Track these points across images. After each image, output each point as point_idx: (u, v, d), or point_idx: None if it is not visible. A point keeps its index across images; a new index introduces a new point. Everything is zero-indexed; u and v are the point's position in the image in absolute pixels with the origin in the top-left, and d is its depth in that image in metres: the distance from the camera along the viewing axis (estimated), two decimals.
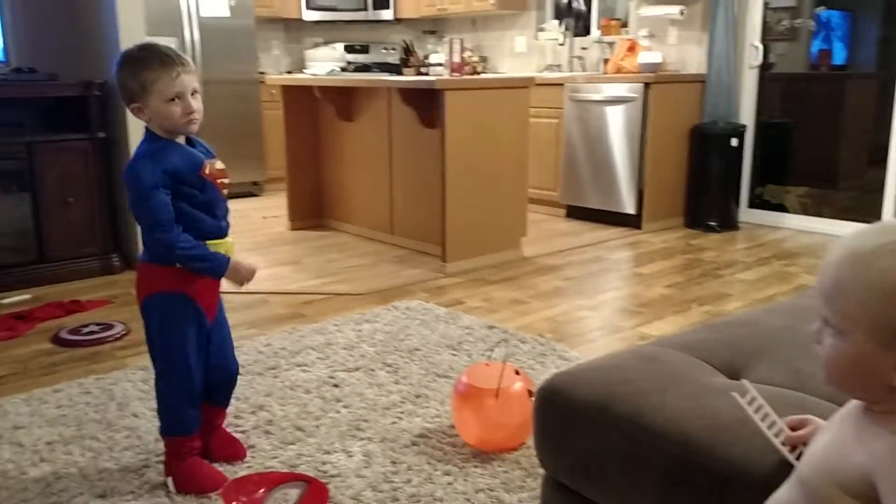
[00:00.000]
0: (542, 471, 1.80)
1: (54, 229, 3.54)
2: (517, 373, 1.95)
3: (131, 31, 3.56)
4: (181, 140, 1.68)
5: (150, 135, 1.66)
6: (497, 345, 2.57)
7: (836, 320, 0.76)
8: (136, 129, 3.60)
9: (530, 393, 1.92)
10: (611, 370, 1.20)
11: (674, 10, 4.95)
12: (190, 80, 1.62)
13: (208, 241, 1.67)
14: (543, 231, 4.60)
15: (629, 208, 4.69)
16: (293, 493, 1.71)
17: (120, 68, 1.62)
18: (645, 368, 1.19)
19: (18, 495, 1.75)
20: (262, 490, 1.69)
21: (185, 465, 1.76)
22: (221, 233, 1.71)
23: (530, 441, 1.94)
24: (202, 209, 1.66)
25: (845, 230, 3.94)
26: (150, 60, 1.59)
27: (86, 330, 2.83)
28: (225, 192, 1.72)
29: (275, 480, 1.73)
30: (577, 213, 5.01)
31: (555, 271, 3.74)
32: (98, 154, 3.61)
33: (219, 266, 1.68)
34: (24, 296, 3.31)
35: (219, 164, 1.70)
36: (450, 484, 1.78)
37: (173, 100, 1.59)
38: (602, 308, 3.18)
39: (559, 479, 1.21)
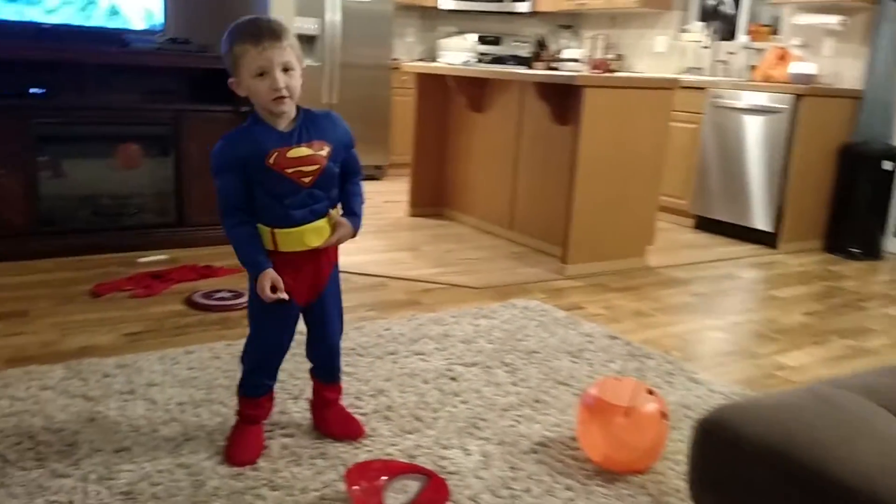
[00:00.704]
0: (671, 500, 1.72)
1: (193, 195, 3.69)
2: (650, 392, 1.85)
3: (281, 8, 3.65)
4: (283, 119, 1.62)
5: (252, 114, 1.65)
6: (619, 350, 2.47)
7: None
8: None
9: (664, 415, 1.82)
10: (786, 410, 1.10)
11: (832, 20, 4.63)
12: (279, 55, 1.54)
13: (277, 229, 1.64)
14: (670, 241, 4.42)
15: (764, 225, 4.44)
16: (413, 485, 1.69)
17: (223, 41, 1.60)
18: (826, 414, 1.08)
19: (151, 452, 1.81)
20: (384, 478, 1.68)
21: (235, 428, 1.84)
22: (291, 221, 1.64)
23: (659, 466, 1.85)
24: (271, 196, 1.61)
25: None
26: (241, 34, 1.56)
27: (217, 295, 2.93)
28: (305, 180, 1.62)
29: (396, 470, 1.72)
30: (707, 224, 4.79)
31: (682, 285, 3.58)
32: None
33: (251, 271, 1.65)
34: (161, 256, 3.46)
35: (298, 151, 1.61)
36: (571, 500, 1.71)
37: (261, 75, 1.54)
38: (734, 330, 3.01)
39: None
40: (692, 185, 4.84)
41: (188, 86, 3.82)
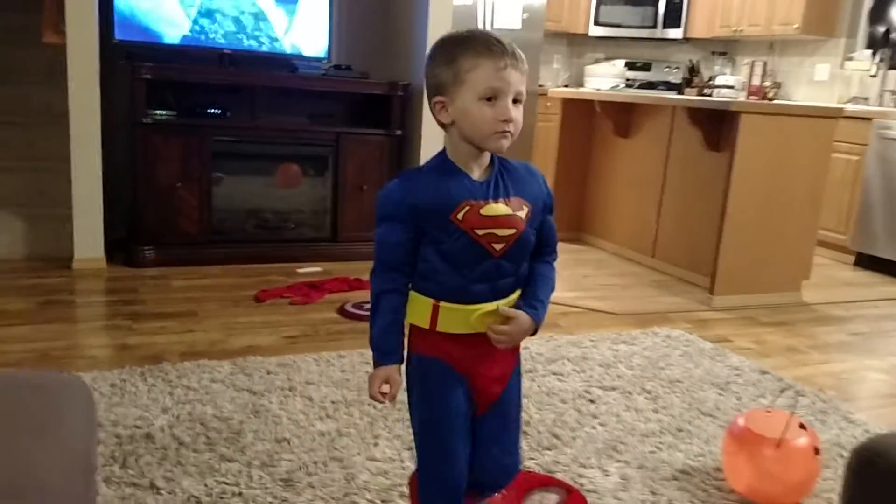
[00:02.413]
0: None
1: (348, 212, 3.91)
2: (802, 426, 1.79)
3: (436, 37, 3.82)
4: (481, 163, 1.28)
5: (439, 154, 1.31)
6: (781, 393, 2.38)
7: None
8: (429, 130, 3.88)
9: (816, 451, 1.75)
10: None
11: None
12: (517, 81, 1.22)
13: (444, 302, 1.27)
14: (827, 277, 4.19)
15: None
16: (552, 497, 1.72)
17: (433, 54, 1.27)
18: None
19: (307, 443, 1.94)
20: (520, 492, 1.71)
21: None
22: (466, 297, 1.26)
23: (807, 502, 1.78)
24: (447, 261, 1.25)
25: None
26: (474, 44, 1.21)
27: (367, 306, 3.07)
28: (496, 246, 1.25)
29: (536, 482, 1.75)
30: (868, 262, 4.50)
31: (839, 323, 3.38)
32: (393, 149, 3.92)
33: (378, 357, 1.30)
34: (317, 268, 3.69)
35: (494, 209, 1.25)
36: None
37: (489, 99, 1.21)
38: (895, 372, 2.82)
39: None
40: (853, 220, 4.57)
41: (347, 110, 4.07)
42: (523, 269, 1.32)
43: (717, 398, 2.39)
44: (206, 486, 1.72)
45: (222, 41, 3.79)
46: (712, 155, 3.70)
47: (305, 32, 3.92)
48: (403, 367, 1.31)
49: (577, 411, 2.25)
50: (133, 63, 3.45)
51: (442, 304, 1.27)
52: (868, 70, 5.19)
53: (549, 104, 5.79)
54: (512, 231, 1.26)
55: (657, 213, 4.15)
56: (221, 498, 1.68)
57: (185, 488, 1.70)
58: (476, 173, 1.28)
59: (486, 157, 1.29)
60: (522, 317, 1.27)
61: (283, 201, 3.92)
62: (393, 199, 1.26)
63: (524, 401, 2.28)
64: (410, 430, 2.04)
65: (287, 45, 3.90)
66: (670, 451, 2.03)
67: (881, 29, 5.28)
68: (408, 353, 1.32)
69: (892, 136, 4.37)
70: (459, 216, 1.23)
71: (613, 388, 2.43)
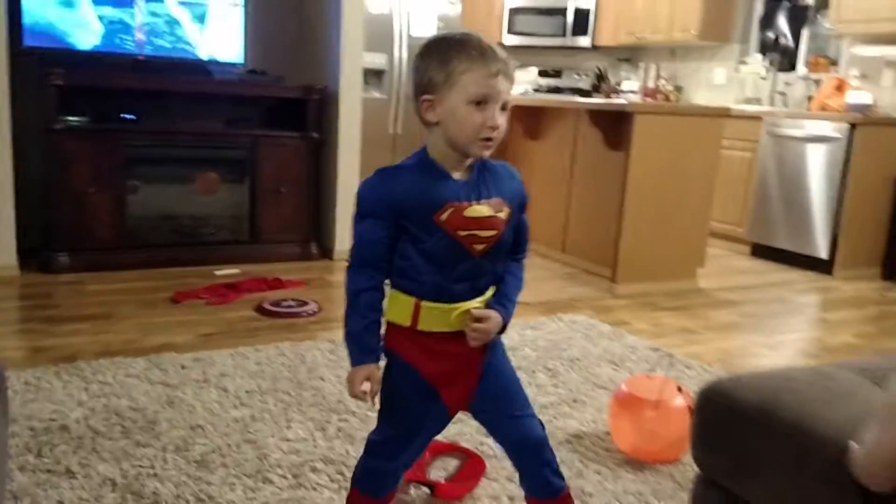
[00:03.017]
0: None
1: (266, 214, 3.97)
2: (679, 389, 1.97)
3: (351, 44, 3.95)
4: (462, 165, 1.29)
5: (418, 152, 1.32)
6: (671, 367, 2.58)
7: None
8: (346, 132, 3.99)
9: (691, 410, 1.93)
10: (778, 379, 1.23)
11: (892, 52, 4.66)
12: (506, 89, 1.24)
13: (425, 301, 1.28)
14: (724, 266, 4.48)
15: (821, 252, 4.45)
16: (454, 462, 1.85)
17: (427, 52, 1.27)
18: (814, 383, 1.21)
19: (221, 428, 2.02)
20: (427, 455, 1.84)
21: None
22: (446, 296, 1.28)
23: (686, 458, 1.96)
24: (427, 259, 1.27)
25: None
26: (468, 47, 1.23)
27: (285, 304, 3.16)
28: (478, 247, 1.27)
29: (438, 448, 1.88)
30: (763, 251, 4.82)
31: (732, 306, 3.64)
32: (310, 152, 4.01)
33: (355, 356, 1.30)
34: (235, 270, 3.74)
35: (477, 210, 1.26)
36: (600, 482, 1.84)
37: (478, 103, 1.22)
38: (780, 348, 3.07)
39: (713, 477, 1.25)
40: (749, 213, 4.89)
41: (263, 114, 4.14)
42: (500, 269, 1.34)
43: (612, 373, 2.57)
44: (121, 469, 1.78)
45: (136, 47, 3.81)
46: (613, 154, 3.92)
47: (220, 38, 3.97)
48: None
49: None
50: (44, 69, 3.44)
51: (423, 303, 1.28)
52: (759, 73, 5.56)
53: None
54: (493, 232, 1.28)
55: (566, 210, 4.36)
56: (137, 479, 1.75)
57: (100, 472, 1.76)
58: (458, 173, 1.29)
59: (467, 158, 1.29)
60: (494, 316, 1.30)
61: (200, 205, 3.95)
62: (372, 196, 1.27)
63: None
64: (322, 413, 2.16)
65: (202, 50, 3.95)
66: (565, 419, 2.19)
67: (771, 35, 5.67)
68: (385, 349, 1.34)
69: (781, 133, 4.71)
70: (443, 217, 1.25)
71: (518, 368, 2.52)
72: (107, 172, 3.61)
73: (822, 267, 4.46)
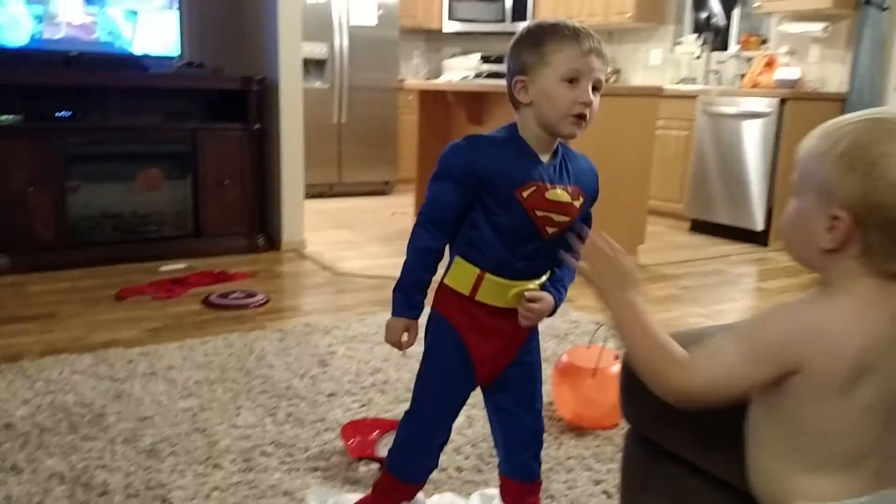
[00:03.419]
0: None
1: (210, 208, 3.95)
2: (616, 357, 2.05)
3: (289, 34, 3.93)
4: (551, 146, 1.32)
5: (507, 127, 1.35)
6: (597, 329, 2.65)
7: (797, 183, 0.87)
8: (288, 122, 3.99)
9: None
10: (694, 335, 1.30)
11: (817, 28, 4.83)
12: (598, 67, 1.26)
13: (489, 274, 1.30)
14: (664, 242, 4.61)
15: (757, 225, 4.62)
16: None
17: (521, 36, 1.31)
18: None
19: (170, 419, 2.03)
20: (377, 433, 1.88)
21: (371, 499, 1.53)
22: (510, 272, 1.31)
23: (625, 423, 2.04)
24: (498, 233, 1.29)
25: None
26: (561, 29, 1.26)
27: (232, 296, 3.16)
28: (549, 230, 1.29)
29: (387, 426, 1.92)
30: (702, 227, 4.97)
31: (671, 280, 3.76)
32: (253, 143, 4.00)
33: (397, 306, 1.35)
34: (180, 265, 3.71)
35: (557, 195, 1.29)
36: (544, 450, 1.90)
37: (571, 81, 1.24)
38: (716, 317, 3.19)
39: (640, 431, 1.32)
40: (687, 189, 5.03)
41: (203, 106, 4.10)
42: (560, 255, 1.33)
43: (556, 347, 2.65)
44: (69, 463, 1.79)
45: (68, 44, 3.74)
46: None
47: (156, 32, 3.92)
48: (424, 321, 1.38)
49: None
50: None
51: (487, 275, 1.30)
52: (693, 53, 5.71)
53: (410, 97, 6.00)
54: (566, 219, 1.30)
55: None
56: (86, 472, 1.75)
57: (48, 467, 1.76)
58: (545, 156, 1.31)
59: (555, 141, 1.32)
60: (548, 298, 1.32)
61: (143, 201, 3.91)
62: (456, 161, 1.29)
63: (385, 364, 2.46)
64: (271, 400, 2.18)
65: (137, 45, 3.89)
66: None
67: (703, 15, 5.82)
68: (435, 313, 1.38)
69: (715, 111, 4.85)
70: (525, 194, 1.27)
71: None
72: (45, 171, 3.55)
73: (759, 239, 4.62)
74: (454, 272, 1.34)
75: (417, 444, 1.45)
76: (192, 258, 3.82)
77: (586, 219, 1.39)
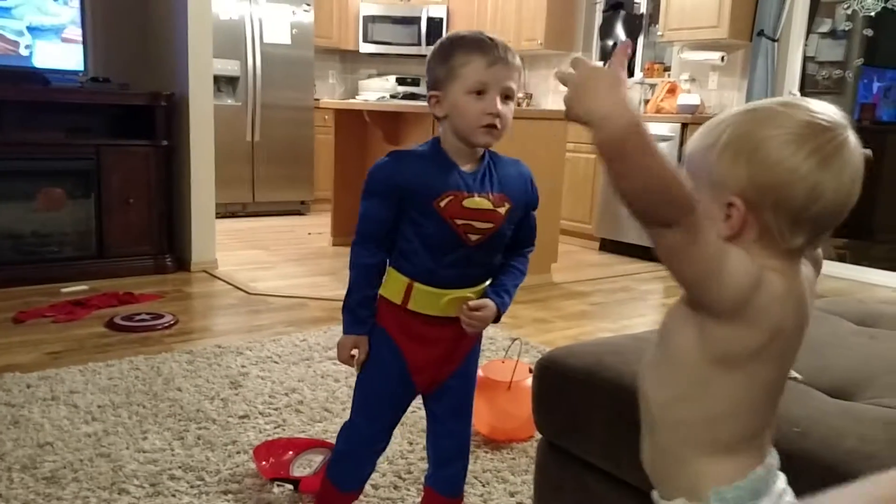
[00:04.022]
0: None
1: (114, 227, 3.80)
2: (530, 371, 2.09)
3: (199, 50, 3.86)
4: (471, 156, 1.33)
5: (433, 140, 1.36)
6: (511, 344, 2.70)
7: (690, 180, 0.85)
8: (197, 139, 3.90)
9: None
10: (603, 346, 1.35)
11: (715, 56, 5.11)
12: (505, 76, 1.27)
13: (417, 283, 1.33)
14: (575, 261, 4.73)
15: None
16: (317, 458, 1.87)
17: (434, 53, 1.33)
18: (632, 346, 1.34)
19: (72, 444, 1.94)
20: (290, 453, 1.85)
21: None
22: (437, 280, 1.32)
23: (539, 434, 2.08)
24: (423, 243, 1.32)
25: (882, 279, 3.96)
26: (468, 41, 1.29)
27: (138, 318, 3.06)
28: (472, 237, 1.30)
29: (302, 445, 1.90)
30: (611, 246, 5.14)
31: (582, 297, 3.87)
32: (160, 160, 3.88)
33: (347, 326, 1.38)
34: (83, 286, 3.56)
35: (476, 202, 1.30)
36: None
37: (478, 93, 1.26)
38: (624, 331, 3.29)
39: (552, 440, 1.36)
40: (595, 211, 5.20)
41: (108, 122, 3.97)
42: (496, 261, 1.37)
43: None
44: None
45: None
46: None
47: (59, 46, 3.77)
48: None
49: (349, 387, 2.41)
50: None
51: (416, 284, 1.32)
52: None
53: (326, 117, 5.97)
54: (490, 225, 1.31)
55: None
56: None
57: None
58: (466, 165, 1.32)
59: (478, 150, 1.33)
60: (490, 305, 1.34)
61: (43, 221, 3.73)
62: (380, 176, 1.31)
63: (300, 384, 2.43)
64: (180, 423, 2.12)
65: (39, 58, 3.73)
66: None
67: (610, 43, 6.05)
68: (375, 321, 1.39)
69: None
70: (442, 204, 1.28)
71: None
72: None
73: None
74: (387, 283, 1.37)
75: (357, 452, 1.47)
76: (96, 279, 3.67)
77: (525, 223, 1.40)
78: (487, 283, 1.37)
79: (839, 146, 0.81)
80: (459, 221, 1.29)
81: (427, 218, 1.30)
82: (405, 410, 1.47)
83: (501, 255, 1.38)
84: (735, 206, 0.83)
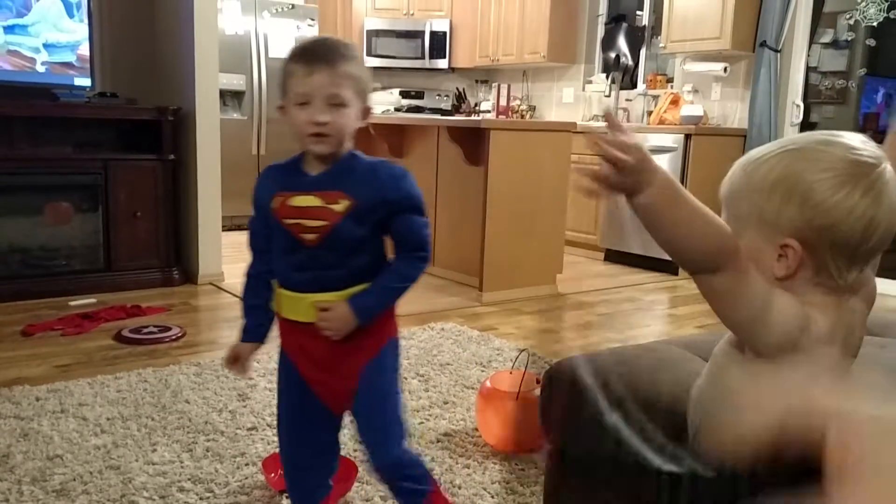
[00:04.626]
0: None
1: (121, 241, 3.82)
2: (538, 381, 2.09)
3: (205, 65, 3.89)
4: (318, 161, 1.33)
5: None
6: (519, 355, 2.70)
7: (733, 223, 0.89)
8: (204, 153, 3.92)
9: None
10: (612, 357, 1.35)
11: (718, 67, 5.12)
12: (327, 85, 1.25)
13: (280, 288, 1.36)
14: (580, 272, 4.74)
15: (667, 254, 4.80)
16: None
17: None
18: (643, 357, 1.34)
19: (82, 457, 1.95)
20: None
21: None
22: (290, 284, 1.34)
23: (547, 443, 2.08)
24: (276, 248, 1.36)
25: (891, 288, 3.93)
26: (294, 52, 1.29)
27: (145, 330, 3.07)
28: (307, 236, 1.30)
29: None
30: (616, 256, 5.14)
31: (588, 307, 3.87)
32: (167, 174, 3.91)
33: (241, 331, 1.43)
34: (91, 299, 3.57)
35: (303, 200, 1.30)
36: (469, 475, 1.92)
37: (302, 104, 1.27)
38: (630, 341, 3.29)
39: (561, 449, 1.35)
40: (600, 221, 5.20)
41: (116, 137, 3.99)
42: (359, 263, 1.32)
43: (480, 374, 2.68)
44: None
45: None
46: (472, 169, 4.08)
47: (68, 61, 3.81)
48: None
49: None
50: None
51: (280, 289, 1.35)
52: (603, 91, 5.94)
53: None
54: (322, 223, 1.28)
55: (433, 224, 4.46)
56: None
57: None
58: (315, 169, 1.32)
59: (328, 157, 1.32)
60: (338, 307, 1.29)
61: (51, 235, 3.75)
62: (254, 190, 1.38)
63: None
64: (188, 435, 2.12)
65: (47, 74, 3.77)
66: (436, 420, 2.26)
67: (612, 55, 6.08)
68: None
69: None
70: (274, 206, 1.31)
71: None
72: None
73: (669, 268, 4.81)
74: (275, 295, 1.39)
75: (287, 470, 1.48)
76: (104, 293, 3.68)
77: (397, 225, 1.35)
78: (361, 287, 1.32)
79: (885, 180, 0.84)
80: (289, 221, 1.30)
81: (273, 223, 1.33)
82: (326, 428, 1.44)
83: (368, 256, 1.33)
84: (791, 248, 0.84)
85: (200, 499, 1.77)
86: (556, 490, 1.38)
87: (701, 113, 5.06)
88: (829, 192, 0.83)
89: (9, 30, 3.62)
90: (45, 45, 3.72)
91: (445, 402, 2.41)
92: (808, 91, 5.01)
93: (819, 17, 4.95)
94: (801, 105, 4.94)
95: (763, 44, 4.83)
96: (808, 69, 4.99)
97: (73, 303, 3.51)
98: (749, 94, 4.99)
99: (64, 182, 3.75)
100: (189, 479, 1.86)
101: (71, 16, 3.77)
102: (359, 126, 1.33)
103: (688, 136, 4.71)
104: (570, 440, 1.32)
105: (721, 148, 4.86)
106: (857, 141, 0.86)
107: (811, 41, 4.96)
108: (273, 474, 1.83)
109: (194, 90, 3.87)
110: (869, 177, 0.83)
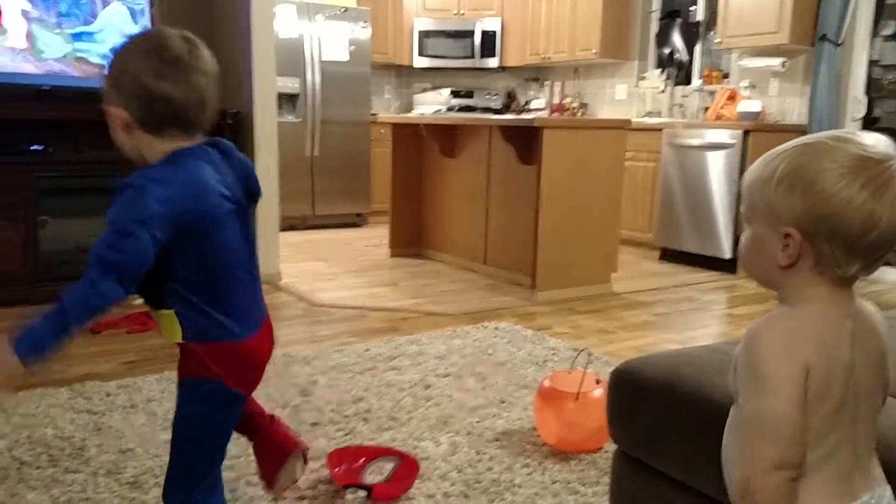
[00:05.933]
0: None
1: None
2: (598, 381, 2.09)
3: (263, 69, 3.97)
4: None
5: None
6: (578, 354, 2.69)
7: (747, 212, 0.93)
8: (262, 155, 4.01)
9: None
10: (678, 357, 1.35)
11: (776, 63, 5.01)
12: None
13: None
14: (635, 270, 4.69)
15: (725, 253, 4.72)
16: (388, 465, 1.91)
17: None
18: (710, 358, 1.33)
19: (152, 451, 2.01)
20: (363, 460, 1.89)
21: None
22: None
23: (609, 446, 2.07)
24: None
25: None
26: None
27: None
28: None
29: (373, 453, 1.93)
30: (672, 255, 5.07)
31: (644, 307, 3.83)
32: None
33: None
34: None
35: None
36: (528, 475, 1.93)
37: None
38: (689, 342, 3.25)
39: (628, 451, 1.35)
40: (655, 219, 5.14)
41: None
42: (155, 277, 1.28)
43: (536, 373, 2.68)
44: (51, 496, 1.76)
45: (39, 77, 3.73)
46: (525, 168, 4.07)
47: None
48: None
49: (413, 397, 2.45)
50: None
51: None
52: (658, 87, 5.87)
53: (382, 131, 6.07)
54: None
55: (485, 223, 4.48)
56: None
57: (29, 501, 1.74)
58: None
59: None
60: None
61: None
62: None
63: (365, 393, 2.47)
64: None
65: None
66: (494, 419, 2.28)
67: (666, 51, 6.00)
68: None
69: (680, 143, 4.98)
70: None
71: (447, 375, 2.67)
72: (15, 204, 3.51)
73: (727, 267, 4.73)
74: None
75: None
76: None
77: None
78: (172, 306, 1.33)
79: (891, 176, 0.86)
80: None
81: None
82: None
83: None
84: (791, 237, 0.87)
85: (267, 492, 1.82)
86: (624, 492, 1.38)
87: (759, 109, 4.96)
88: (831, 182, 0.85)
89: (76, 37, 3.75)
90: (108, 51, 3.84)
91: (502, 402, 2.42)
92: (871, 85, 4.86)
93: (882, 9, 4.80)
94: (864, 99, 4.80)
95: (823, 37, 4.71)
96: (870, 63, 4.84)
97: (136, 301, 3.61)
98: (808, 89, 4.87)
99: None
100: (256, 473, 1.90)
101: (136, 22, 3.89)
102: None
103: (746, 133, 4.62)
104: (639, 442, 1.32)
105: (780, 144, 4.74)
106: (870, 139, 0.88)
107: (874, 34, 4.81)
108: (337, 469, 1.87)
109: (252, 94, 3.95)
110: (872, 171, 0.84)
